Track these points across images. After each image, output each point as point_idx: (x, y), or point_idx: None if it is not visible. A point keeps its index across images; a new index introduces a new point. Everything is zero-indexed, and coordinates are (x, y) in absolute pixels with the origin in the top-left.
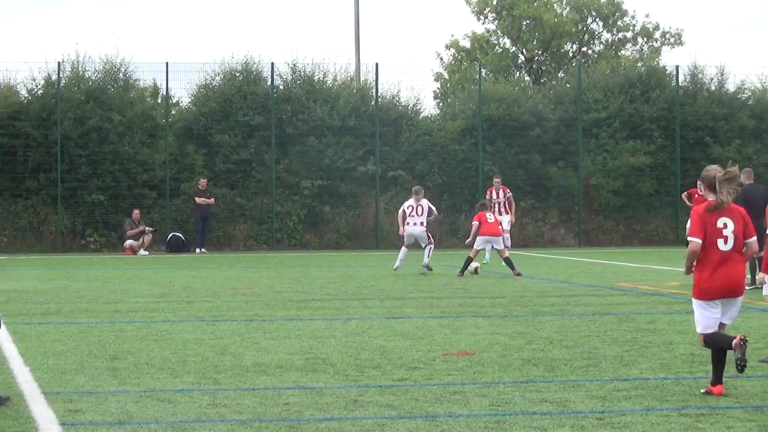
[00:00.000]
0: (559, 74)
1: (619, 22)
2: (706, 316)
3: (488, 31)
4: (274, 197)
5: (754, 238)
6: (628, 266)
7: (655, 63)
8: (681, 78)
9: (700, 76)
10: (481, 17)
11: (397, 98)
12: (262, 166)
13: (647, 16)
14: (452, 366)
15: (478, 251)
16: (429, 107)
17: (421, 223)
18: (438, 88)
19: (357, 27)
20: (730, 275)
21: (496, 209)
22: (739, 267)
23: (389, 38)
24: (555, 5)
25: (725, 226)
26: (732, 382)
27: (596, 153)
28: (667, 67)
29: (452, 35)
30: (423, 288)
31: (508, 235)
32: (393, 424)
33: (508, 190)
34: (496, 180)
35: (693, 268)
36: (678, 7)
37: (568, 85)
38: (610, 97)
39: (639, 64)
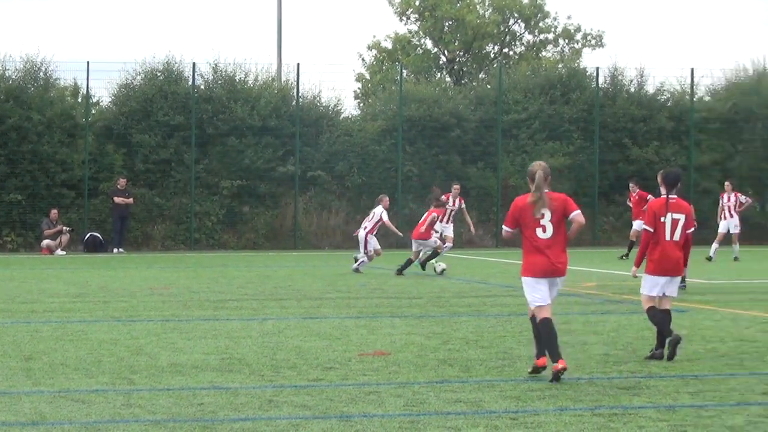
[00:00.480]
0: (480, 75)
1: (540, 24)
2: (531, 293)
3: (410, 32)
4: (193, 197)
5: (576, 211)
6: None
7: (576, 64)
8: (601, 80)
9: (620, 77)
10: (404, 18)
11: (318, 98)
12: (182, 166)
13: (569, 17)
14: (368, 366)
15: (417, 252)
16: (350, 108)
17: (364, 228)
18: (359, 89)
19: (279, 27)
20: (551, 259)
21: (448, 217)
22: (556, 252)
23: (311, 38)
24: (477, 6)
25: (543, 216)
26: (645, 382)
27: (515, 154)
28: (587, 69)
29: (374, 36)
30: (340, 288)
31: (451, 244)
32: (307, 425)
33: (464, 201)
34: (455, 187)
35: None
36: (599, 10)
37: (488, 86)
38: (531, 99)
39: (560, 66)
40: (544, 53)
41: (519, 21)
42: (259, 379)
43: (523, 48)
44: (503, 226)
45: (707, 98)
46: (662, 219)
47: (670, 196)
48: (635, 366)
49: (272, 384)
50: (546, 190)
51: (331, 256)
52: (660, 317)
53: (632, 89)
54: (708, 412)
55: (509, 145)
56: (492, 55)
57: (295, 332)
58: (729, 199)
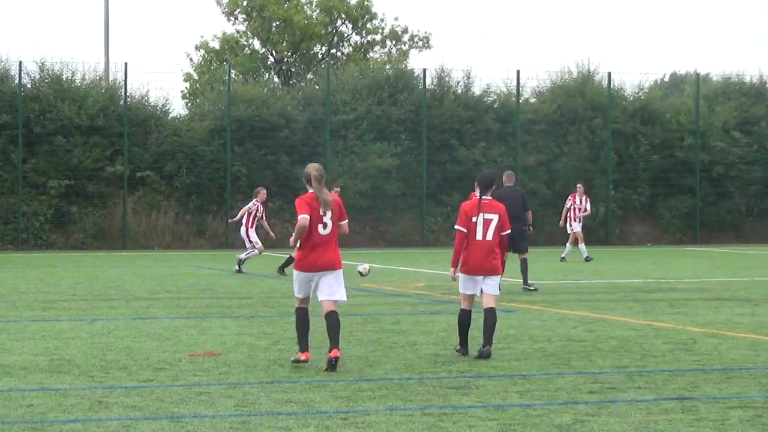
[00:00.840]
0: (309, 76)
1: (368, 25)
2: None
3: (238, 32)
4: (20, 197)
5: (345, 221)
6: (373, 267)
7: (403, 66)
8: (428, 81)
9: (447, 79)
10: (232, 18)
11: (146, 98)
12: (9, 165)
13: (396, 19)
14: (198, 367)
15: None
16: (178, 107)
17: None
18: (187, 89)
19: (106, 26)
20: (325, 255)
21: None
22: (332, 248)
23: (139, 38)
24: (305, 7)
25: (325, 213)
26: (474, 382)
27: (344, 155)
28: (414, 70)
29: (202, 36)
30: (170, 289)
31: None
32: (138, 426)
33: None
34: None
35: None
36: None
37: (317, 87)
38: (358, 99)
39: (387, 67)
40: (371, 54)
41: (346, 22)
42: (89, 380)
43: (350, 49)
44: (301, 215)
45: (533, 100)
46: (474, 219)
47: (483, 197)
48: (464, 366)
49: (102, 385)
50: (325, 189)
51: (161, 256)
52: (464, 321)
53: (459, 91)
54: (536, 411)
55: (338, 146)
56: (320, 56)
57: (124, 333)
58: (580, 202)
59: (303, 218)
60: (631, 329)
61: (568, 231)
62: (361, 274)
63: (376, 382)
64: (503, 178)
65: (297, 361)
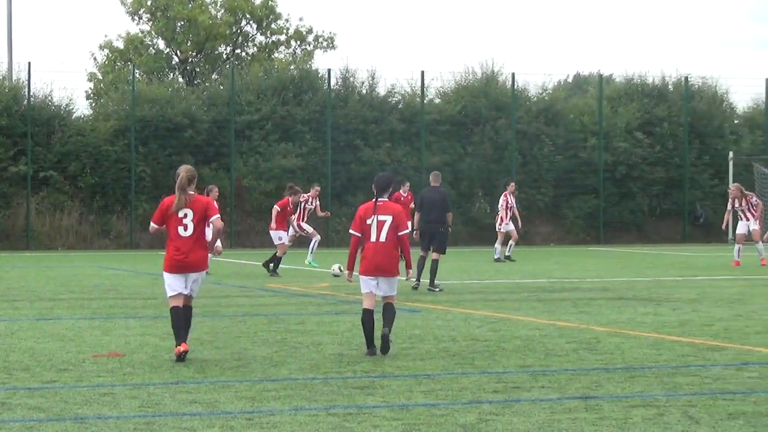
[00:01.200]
0: (213, 76)
1: (273, 25)
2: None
3: (142, 32)
4: None
5: (215, 216)
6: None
7: (308, 66)
8: (333, 81)
9: (351, 79)
10: (136, 18)
11: (49, 98)
12: None
13: (301, 19)
14: (102, 367)
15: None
16: (82, 107)
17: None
18: (91, 89)
19: (9, 25)
20: (188, 257)
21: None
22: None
23: (43, 37)
24: (210, 7)
25: (185, 216)
26: (379, 381)
27: (249, 155)
28: (319, 71)
29: (106, 35)
30: (74, 289)
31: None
32: (42, 427)
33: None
34: (316, 188)
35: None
36: (331, 12)
37: (221, 87)
38: (263, 100)
39: (292, 67)
40: (276, 54)
41: (251, 22)
42: None
43: (255, 49)
44: (151, 223)
45: (437, 100)
46: (368, 221)
47: (379, 199)
48: (369, 366)
49: (5, 386)
50: (191, 192)
51: (65, 257)
52: (367, 321)
53: (364, 91)
54: (440, 410)
55: (242, 146)
56: (225, 56)
57: (28, 334)
58: (511, 201)
59: (151, 227)
60: (535, 329)
61: (501, 230)
62: (334, 275)
63: (281, 383)
64: (430, 178)
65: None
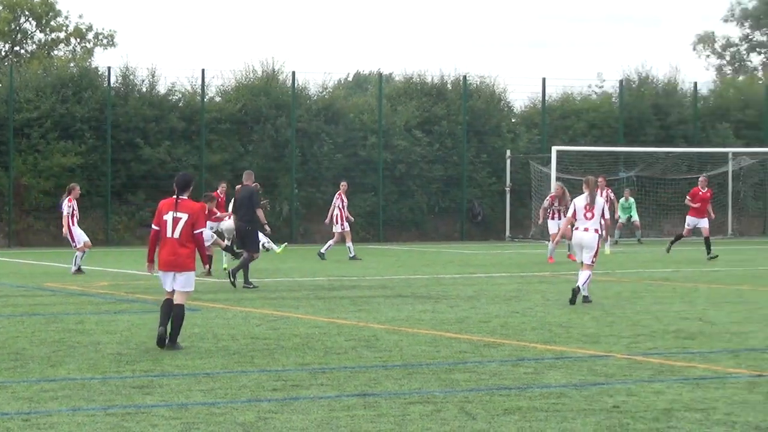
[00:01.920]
0: None
1: (52, 23)
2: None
3: None
4: None
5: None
6: (57, 266)
7: (88, 64)
8: (113, 79)
9: (131, 77)
10: None
11: None
12: None
13: (81, 17)
14: None
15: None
16: None
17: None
18: None
19: None
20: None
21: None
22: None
23: None
24: None
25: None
26: (158, 381)
27: (27, 153)
28: (99, 68)
29: None
30: None
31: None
32: None
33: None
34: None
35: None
36: (111, 9)
37: (0, 85)
38: (43, 97)
39: (71, 65)
40: (56, 52)
41: (30, 19)
42: None
43: (34, 47)
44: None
45: (218, 99)
46: (165, 217)
47: (180, 196)
48: (149, 365)
49: None
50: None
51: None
52: (165, 309)
53: (144, 89)
54: (220, 409)
55: (21, 144)
56: (3, 54)
57: None
58: (345, 201)
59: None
60: (314, 327)
61: (338, 230)
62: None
63: (59, 383)
64: (243, 176)
65: None
